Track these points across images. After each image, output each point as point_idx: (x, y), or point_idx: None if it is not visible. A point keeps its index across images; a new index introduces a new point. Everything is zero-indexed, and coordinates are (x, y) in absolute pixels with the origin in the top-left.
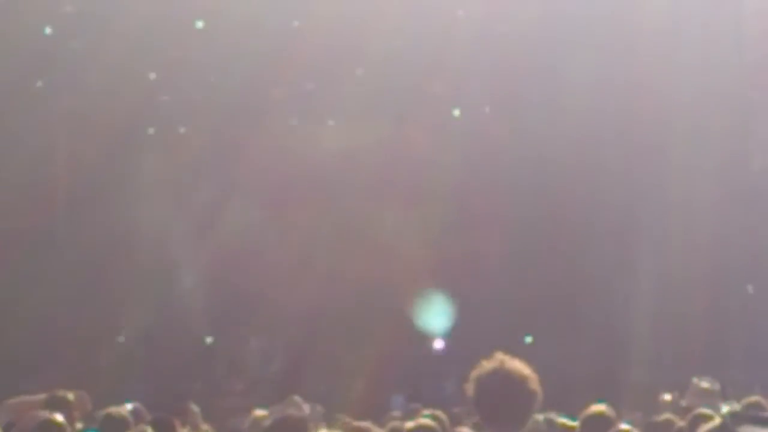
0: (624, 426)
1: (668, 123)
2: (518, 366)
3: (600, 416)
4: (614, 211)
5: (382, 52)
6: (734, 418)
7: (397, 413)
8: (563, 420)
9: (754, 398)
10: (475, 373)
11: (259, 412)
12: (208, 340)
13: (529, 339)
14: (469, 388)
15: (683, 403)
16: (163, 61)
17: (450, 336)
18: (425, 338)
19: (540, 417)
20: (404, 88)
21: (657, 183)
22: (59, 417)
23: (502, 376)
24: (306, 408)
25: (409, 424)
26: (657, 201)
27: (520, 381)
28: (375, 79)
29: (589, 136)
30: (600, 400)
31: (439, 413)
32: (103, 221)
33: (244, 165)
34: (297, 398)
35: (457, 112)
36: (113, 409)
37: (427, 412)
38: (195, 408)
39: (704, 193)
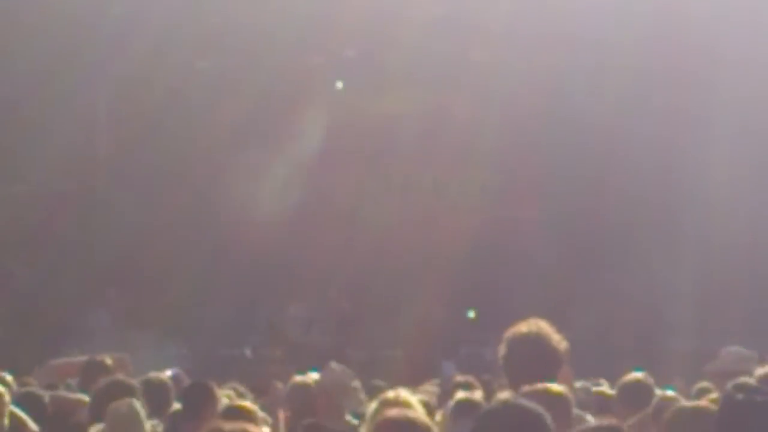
0: (669, 392)
1: (700, 110)
2: (545, 329)
3: (637, 384)
4: (656, 179)
5: (425, 19)
6: (738, 390)
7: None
8: (600, 388)
9: None
10: (506, 336)
11: (299, 378)
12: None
13: (471, 314)
14: (501, 350)
15: (713, 366)
16: (206, 29)
17: (490, 302)
18: (465, 304)
19: (577, 384)
20: (446, 55)
21: (699, 152)
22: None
23: (530, 338)
24: (348, 373)
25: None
26: (699, 170)
27: (546, 343)
28: (417, 45)
29: (631, 105)
30: (640, 368)
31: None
32: (149, 189)
33: (286, 131)
34: (334, 365)
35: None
36: (153, 374)
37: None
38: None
39: (744, 161)
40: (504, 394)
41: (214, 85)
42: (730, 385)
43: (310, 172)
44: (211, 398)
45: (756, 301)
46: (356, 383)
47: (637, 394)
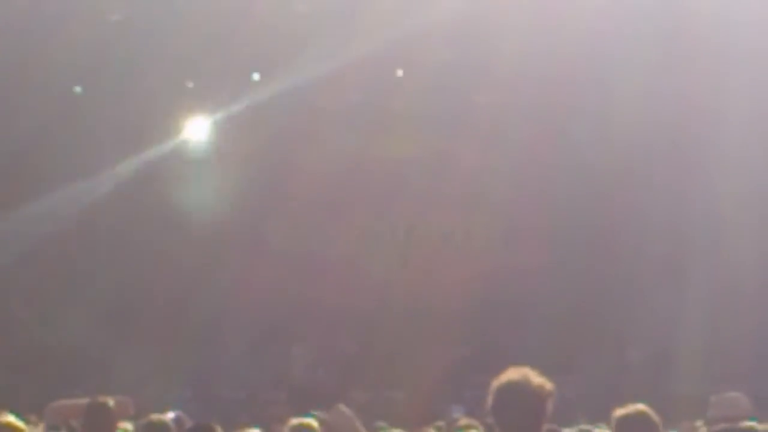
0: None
1: (715, 128)
2: (528, 375)
3: (637, 415)
4: (665, 226)
5: (430, 61)
6: None
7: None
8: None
9: None
10: (494, 383)
11: (296, 420)
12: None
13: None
14: (489, 401)
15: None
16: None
17: (494, 347)
18: (469, 349)
19: (575, 428)
20: (452, 98)
21: (704, 192)
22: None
23: (510, 386)
24: (351, 415)
25: None
26: (705, 211)
27: (533, 394)
28: (422, 89)
29: (637, 146)
30: None
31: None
32: (142, 228)
33: (292, 173)
34: (343, 407)
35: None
36: (155, 416)
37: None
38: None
39: (752, 202)
40: None
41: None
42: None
43: (316, 216)
44: None
45: (765, 344)
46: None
47: (636, 426)
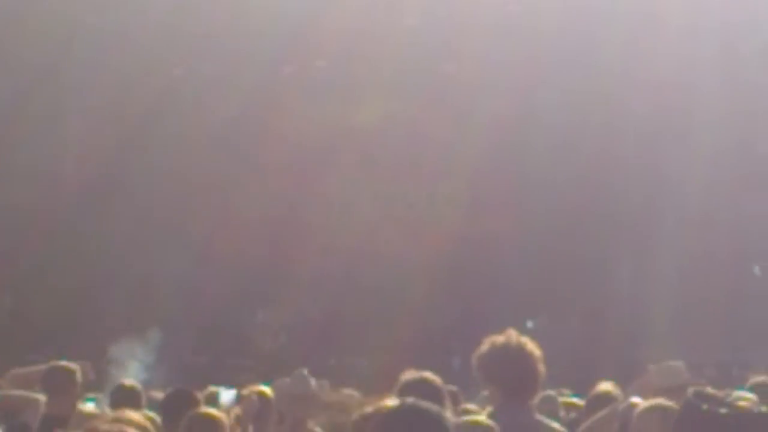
0: (634, 399)
1: (678, 109)
2: (529, 342)
3: (605, 395)
4: (633, 194)
5: (399, 31)
6: (698, 398)
7: None
8: (568, 399)
9: (760, 378)
10: (491, 346)
11: (259, 388)
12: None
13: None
14: (484, 360)
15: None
16: (182, 37)
17: (461, 313)
18: (436, 315)
19: (545, 393)
20: (421, 69)
21: (667, 167)
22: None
23: (522, 349)
24: (313, 383)
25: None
26: (676, 188)
27: (533, 354)
28: (390, 58)
29: (605, 123)
30: (611, 379)
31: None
32: (112, 207)
33: (261, 140)
34: (304, 372)
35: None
36: (126, 381)
37: None
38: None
39: (713, 178)
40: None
41: (189, 95)
42: (690, 392)
43: (284, 183)
44: (194, 405)
45: (734, 314)
46: (322, 390)
47: (605, 405)
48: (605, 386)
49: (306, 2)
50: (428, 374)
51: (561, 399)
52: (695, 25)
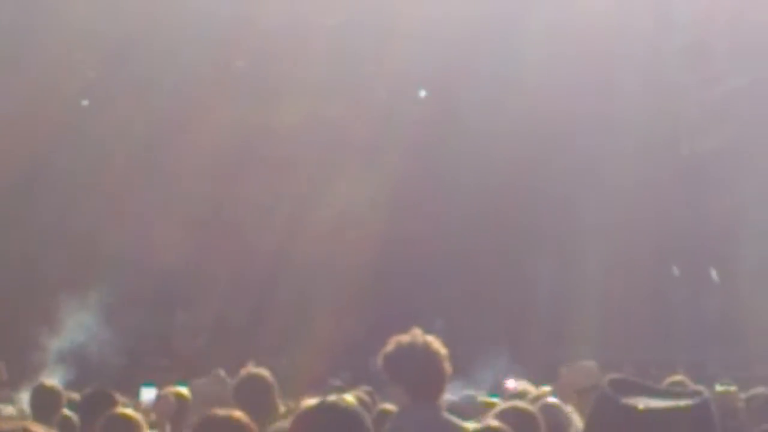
0: (551, 399)
1: (594, 106)
2: (434, 342)
3: (523, 395)
4: (549, 198)
5: (315, 30)
6: (615, 387)
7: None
8: (486, 399)
9: (677, 377)
10: (396, 346)
11: (176, 389)
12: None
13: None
14: (389, 360)
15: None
16: (102, 39)
17: (381, 313)
18: (356, 316)
19: (463, 393)
20: (336, 66)
21: (583, 166)
22: None
23: (427, 348)
24: (230, 383)
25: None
26: (583, 184)
27: (438, 353)
28: (315, 59)
29: (526, 124)
30: (530, 379)
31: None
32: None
33: (182, 141)
34: (221, 373)
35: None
36: (46, 381)
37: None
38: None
39: (635, 177)
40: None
41: (104, 97)
42: (606, 381)
43: (203, 184)
44: (111, 406)
45: (653, 314)
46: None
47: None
48: (522, 386)
49: (225, 1)
50: (262, 371)
51: (479, 399)
52: (616, 25)
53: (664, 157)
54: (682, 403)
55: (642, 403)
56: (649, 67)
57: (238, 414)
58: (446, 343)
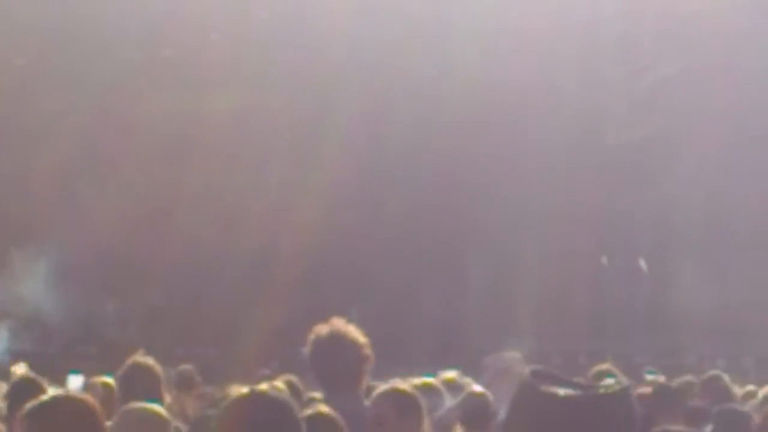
0: (476, 388)
1: (525, 99)
2: (352, 331)
3: (450, 384)
4: (484, 190)
5: (239, 21)
6: (536, 377)
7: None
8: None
9: (604, 366)
10: (316, 336)
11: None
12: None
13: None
14: (310, 350)
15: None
16: (23, 25)
17: (314, 303)
18: (288, 306)
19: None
20: (275, 62)
21: (514, 158)
22: None
23: (345, 337)
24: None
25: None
26: (514, 176)
27: (353, 344)
28: (233, 45)
29: (462, 118)
30: (458, 367)
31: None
32: None
33: (109, 131)
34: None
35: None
36: None
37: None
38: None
39: (560, 169)
40: None
41: (32, 86)
42: (528, 371)
43: (134, 174)
44: (40, 394)
45: (582, 304)
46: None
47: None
48: (450, 375)
49: None
50: (148, 360)
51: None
52: (549, 22)
53: (594, 148)
54: (602, 391)
55: (562, 391)
56: (578, 59)
57: (156, 408)
58: (376, 331)
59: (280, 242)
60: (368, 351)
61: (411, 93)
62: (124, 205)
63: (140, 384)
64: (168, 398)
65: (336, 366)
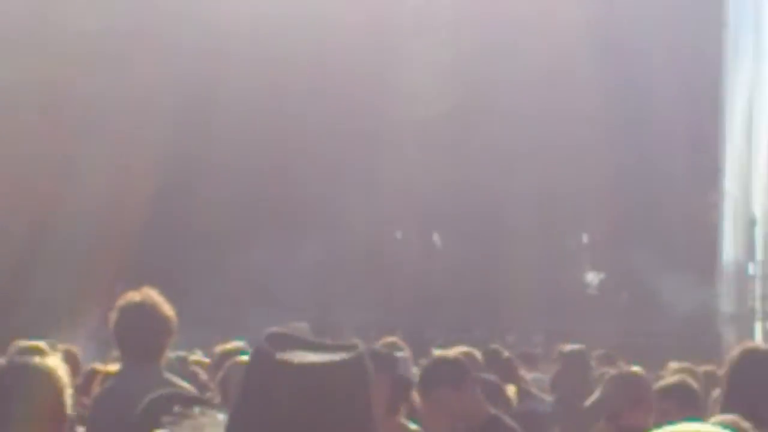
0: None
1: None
2: (156, 298)
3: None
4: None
5: None
6: (273, 341)
7: None
8: (197, 357)
9: (390, 339)
10: (119, 307)
11: None
12: None
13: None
14: (111, 321)
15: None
16: None
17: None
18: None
19: (172, 354)
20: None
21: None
22: None
23: (139, 308)
24: None
25: None
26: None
27: (157, 313)
28: (33, 14)
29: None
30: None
31: None
32: None
33: None
34: None
35: None
36: None
37: None
38: None
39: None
40: None
41: None
42: (265, 335)
43: None
44: None
45: (384, 276)
46: None
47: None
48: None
49: None
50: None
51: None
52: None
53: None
54: (338, 357)
55: (298, 357)
56: (377, 34)
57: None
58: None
59: (109, 230)
60: (170, 324)
61: (244, 76)
62: None
63: None
64: None
65: (136, 336)
